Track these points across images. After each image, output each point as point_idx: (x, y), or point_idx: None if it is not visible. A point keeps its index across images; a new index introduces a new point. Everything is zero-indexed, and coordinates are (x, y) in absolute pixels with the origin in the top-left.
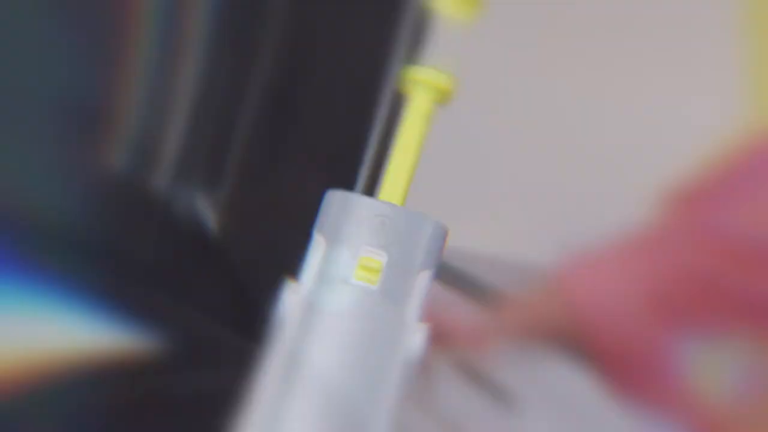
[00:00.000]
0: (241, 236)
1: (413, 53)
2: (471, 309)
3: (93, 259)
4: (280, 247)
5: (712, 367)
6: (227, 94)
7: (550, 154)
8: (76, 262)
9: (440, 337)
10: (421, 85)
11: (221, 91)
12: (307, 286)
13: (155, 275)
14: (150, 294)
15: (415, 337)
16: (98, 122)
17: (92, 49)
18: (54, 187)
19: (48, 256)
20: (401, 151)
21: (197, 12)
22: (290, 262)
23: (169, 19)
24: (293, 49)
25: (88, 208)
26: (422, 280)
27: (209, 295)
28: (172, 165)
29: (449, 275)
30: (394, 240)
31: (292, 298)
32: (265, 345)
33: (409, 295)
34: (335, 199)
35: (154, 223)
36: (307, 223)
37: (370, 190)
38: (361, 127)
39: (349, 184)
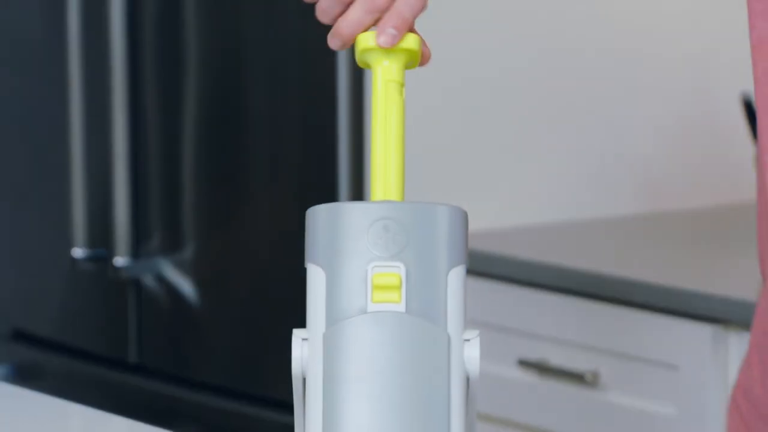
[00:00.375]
0: (221, 292)
1: None
2: None
3: (85, 362)
4: (264, 291)
5: None
6: (162, 149)
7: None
8: (69, 369)
9: None
10: (386, 52)
11: (155, 148)
12: (318, 329)
13: (146, 362)
14: (153, 384)
15: (467, 350)
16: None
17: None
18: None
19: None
20: (382, 136)
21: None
22: (280, 304)
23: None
24: (220, 85)
25: (66, 310)
26: (455, 280)
27: (208, 368)
28: (128, 240)
29: None
30: (407, 243)
31: (304, 349)
32: (293, 411)
33: (443, 302)
34: (320, 216)
35: (129, 307)
36: (288, 256)
37: (358, 192)
38: (322, 130)
39: (329, 196)
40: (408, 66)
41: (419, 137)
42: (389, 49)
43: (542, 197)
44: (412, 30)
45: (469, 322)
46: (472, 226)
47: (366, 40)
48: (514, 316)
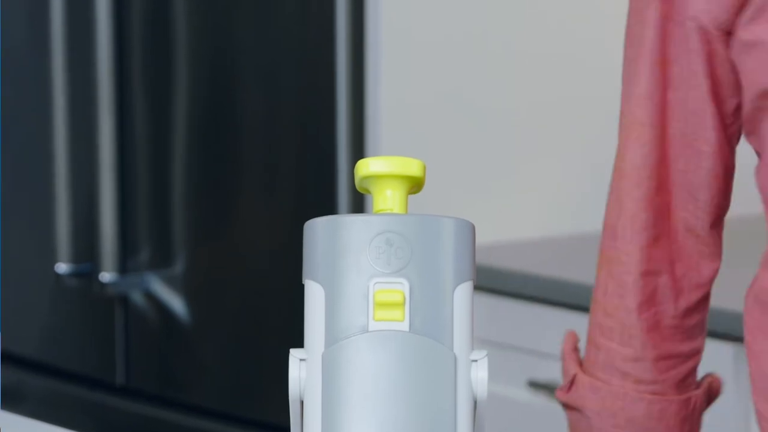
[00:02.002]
0: (212, 309)
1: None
2: None
3: (69, 382)
4: (259, 308)
5: None
6: (150, 160)
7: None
8: (53, 390)
9: None
10: (388, 180)
11: (143, 159)
12: (316, 349)
13: (134, 382)
14: (139, 404)
15: (475, 371)
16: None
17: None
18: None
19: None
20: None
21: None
22: (276, 323)
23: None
24: (213, 89)
25: (52, 329)
26: (462, 296)
27: (199, 389)
28: (115, 255)
29: None
30: (411, 258)
31: (302, 370)
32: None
33: (449, 321)
34: (319, 230)
35: (116, 324)
36: (285, 271)
37: (359, 204)
38: (319, 140)
39: (327, 208)
40: (411, 192)
41: (424, 148)
42: (392, 176)
43: (553, 209)
44: None
45: (476, 341)
46: (480, 239)
47: (373, 166)
48: (524, 334)
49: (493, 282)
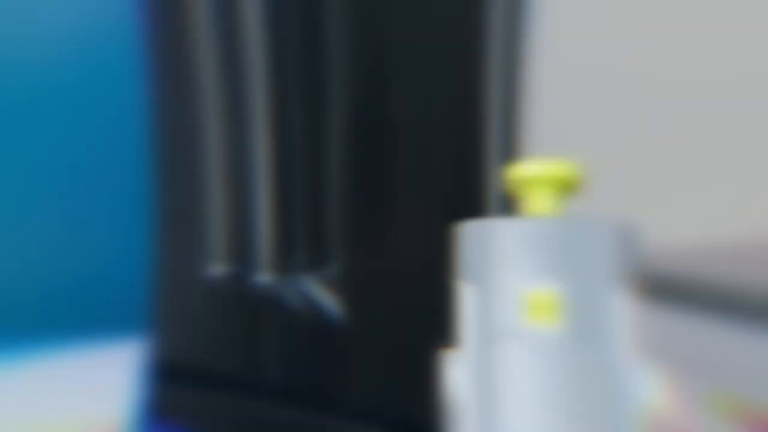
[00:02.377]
0: (368, 311)
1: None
2: None
3: (222, 392)
4: (414, 311)
5: None
6: (306, 159)
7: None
8: (208, 400)
9: None
10: (539, 184)
11: (299, 158)
12: (471, 350)
13: (288, 388)
14: (290, 412)
15: (638, 382)
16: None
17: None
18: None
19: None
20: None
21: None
22: (430, 324)
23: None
24: (366, 82)
25: (201, 332)
26: (621, 303)
27: (355, 396)
28: (270, 256)
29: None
30: (566, 261)
31: (458, 371)
32: None
33: (608, 328)
34: (474, 233)
35: (271, 328)
36: (438, 272)
37: (508, 209)
38: (470, 141)
39: (480, 208)
40: (567, 194)
41: (580, 136)
42: (544, 179)
43: (733, 209)
44: None
45: (642, 353)
46: (650, 242)
47: (525, 169)
48: (700, 346)
49: (659, 289)
